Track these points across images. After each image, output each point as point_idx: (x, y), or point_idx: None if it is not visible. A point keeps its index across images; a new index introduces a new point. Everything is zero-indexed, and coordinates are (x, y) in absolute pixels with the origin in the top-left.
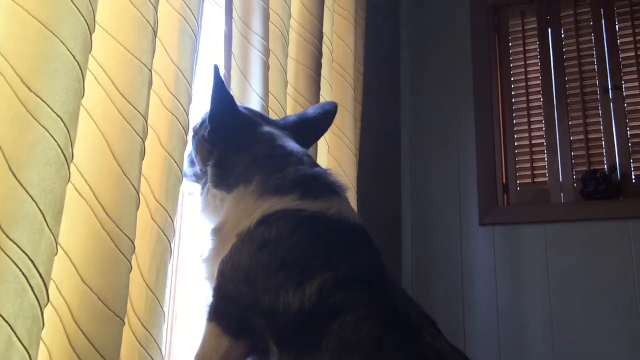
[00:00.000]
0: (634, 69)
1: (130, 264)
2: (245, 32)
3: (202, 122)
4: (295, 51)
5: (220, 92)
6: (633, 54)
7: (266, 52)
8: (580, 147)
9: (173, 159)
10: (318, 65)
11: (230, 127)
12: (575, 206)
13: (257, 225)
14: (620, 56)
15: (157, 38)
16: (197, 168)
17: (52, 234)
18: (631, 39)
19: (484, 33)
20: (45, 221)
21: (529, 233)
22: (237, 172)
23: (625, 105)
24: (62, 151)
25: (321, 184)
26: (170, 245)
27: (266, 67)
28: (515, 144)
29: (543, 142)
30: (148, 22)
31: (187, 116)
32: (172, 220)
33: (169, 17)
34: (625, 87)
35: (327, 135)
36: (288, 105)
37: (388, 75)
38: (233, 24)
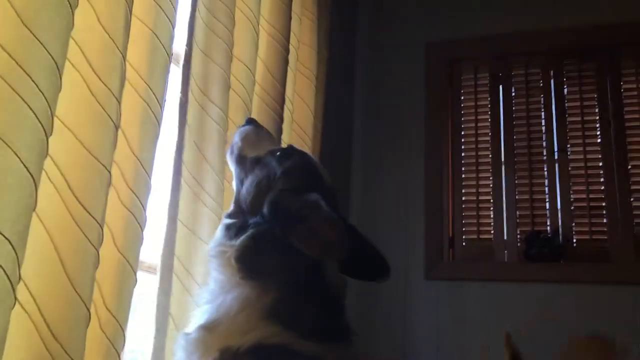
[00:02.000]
0: (580, 133)
1: None
2: (204, 102)
3: (287, 173)
4: (257, 116)
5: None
6: (579, 118)
7: (224, 124)
8: (525, 207)
9: (128, 262)
10: (279, 132)
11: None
12: (518, 267)
13: (246, 353)
14: (568, 120)
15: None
16: (243, 194)
17: None
18: (578, 103)
19: (438, 86)
20: None
21: (473, 290)
22: (264, 265)
23: (570, 168)
24: (8, 278)
25: (332, 327)
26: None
27: (223, 141)
28: (463, 198)
29: (490, 199)
30: (110, 118)
31: (145, 212)
32: (123, 331)
33: (132, 103)
34: (570, 151)
35: None
36: None
37: (340, 123)
38: (190, 92)
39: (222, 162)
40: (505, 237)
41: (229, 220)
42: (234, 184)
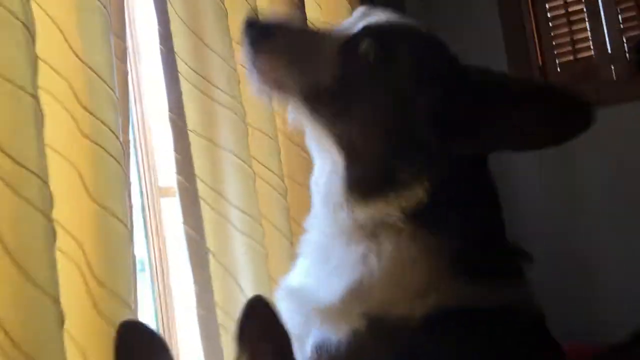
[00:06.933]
0: None
1: None
2: None
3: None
4: None
5: None
6: None
7: None
8: (629, 7)
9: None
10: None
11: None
12: (630, 83)
13: (425, 323)
14: None
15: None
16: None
17: None
18: None
19: None
20: None
21: None
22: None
23: None
24: None
25: (509, 267)
26: None
27: (224, 14)
28: (549, 14)
29: (582, 9)
30: None
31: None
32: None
33: None
34: None
35: None
36: None
37: None
38: None
39: (229, 42)
40: (609, 51)
41: (358, 176)
42: None
